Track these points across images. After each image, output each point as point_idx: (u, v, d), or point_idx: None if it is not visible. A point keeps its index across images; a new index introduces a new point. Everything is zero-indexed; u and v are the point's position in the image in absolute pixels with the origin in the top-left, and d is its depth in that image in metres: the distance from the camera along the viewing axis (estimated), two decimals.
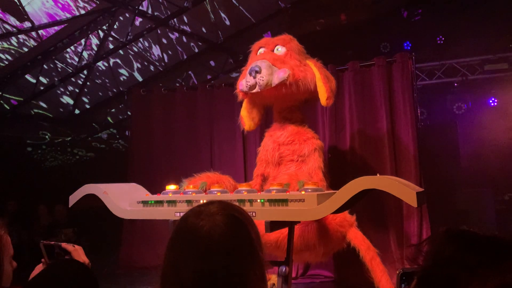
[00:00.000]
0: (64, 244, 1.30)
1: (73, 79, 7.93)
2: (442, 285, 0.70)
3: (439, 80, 7.83)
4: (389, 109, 5.26)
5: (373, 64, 5.42)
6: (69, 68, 7.63)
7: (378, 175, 2.71)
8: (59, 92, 8.39)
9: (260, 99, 4.20)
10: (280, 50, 4.05)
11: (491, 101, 8.67)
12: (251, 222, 1.06)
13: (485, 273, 0.67)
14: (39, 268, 1.31)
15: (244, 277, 0.98)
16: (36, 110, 8.50)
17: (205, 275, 0.95)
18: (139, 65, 8.32)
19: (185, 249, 0.99)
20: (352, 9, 7.36)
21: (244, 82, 3.93)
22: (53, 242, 1.31)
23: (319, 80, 3.95)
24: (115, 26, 7.12)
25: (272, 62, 3.87)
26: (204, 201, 1.17)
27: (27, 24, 6.40)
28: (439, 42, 7.87)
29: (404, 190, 2.42)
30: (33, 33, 6.77)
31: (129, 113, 7.49)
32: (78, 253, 1.29)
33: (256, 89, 3.86)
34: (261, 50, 4.15)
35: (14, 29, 6.44)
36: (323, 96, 3.94)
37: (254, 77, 3.80)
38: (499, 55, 7.48)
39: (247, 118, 4.38)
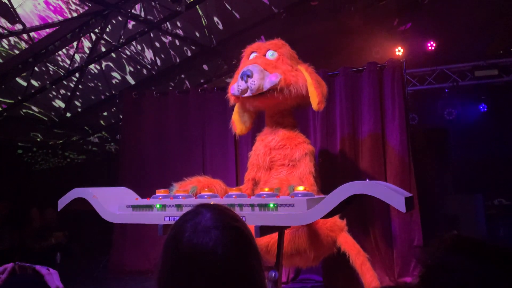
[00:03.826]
0: (38, 267, 1.25)
1: (65, 82, 7.89)
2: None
3: (430, 86, 7.90)
4: (380, 114, 5.30)
5: (364, 69, 5.45)
6: (61, 71, 7.58)
7: (367, 180, 2.72)
8: (51, 95, 8.34)
9: (251, 103, 4.21)
10: (272, 55, 4.07)
11: (481, 107, 8.76)
12: (246, 226, 1.04)
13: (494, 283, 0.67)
14: None
15: (256, 284, 0.97)
16: (25, 111, 8.44)
17: None
18: (131, 69, 8.30)
19: (193, 273, 0.92)
20: (344, 15, 7.40)
21: (236, 86, 3.94)
22: (27, 264, 1.26)
23: (311, 85, 3.96)
24: (107, 29, 7.09)
25: (264, 67, 3.88)
26: (190, 206, 1.11)
27: (18, 27, 6.36)
28: (430, 48, 7.94)
29: (393, 195, 2.43)
30: (25, 36, 6.73)
31: (121, 116, 7.47)
32: (52, 278, 1.24)
33: (248, 93, 3.87)
34: (253, 55, 4.16)
35: (5, 31, 6.40)
36: (315, 101, 3.96)
37: (246, 82, 3.81)
38: (490, 61, 7.56)
39: (238, 122, 4.39)
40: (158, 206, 3.08)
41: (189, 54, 8.09)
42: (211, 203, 1.09)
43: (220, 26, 7.55)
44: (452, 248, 0.75)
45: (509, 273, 0.68)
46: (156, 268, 0.99)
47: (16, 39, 6.84)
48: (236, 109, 4.42)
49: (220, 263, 0.92)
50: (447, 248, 0.75)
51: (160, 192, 3.31)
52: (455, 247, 0.74)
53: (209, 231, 0.95)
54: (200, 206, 1.04)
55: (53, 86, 7.70)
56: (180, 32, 7.41)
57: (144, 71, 8.37)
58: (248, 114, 4.39)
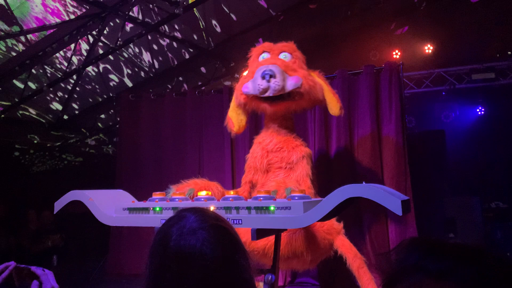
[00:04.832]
0: (33, 268, 1.25)
1: (62, 84, 7.87)
2: None
3: (427, 88, 7.92)
4: (377, 117, 5.30)
5: (361, 72, 5.46)
6: (59, 73, 7.58)
7: (364, 183, 2.72)
8: (48, 98, 8.33)
9: (257, 103, 4.16)
10: (285, 57, 4.02)
11: (478, 110, 8.79)
12: (231, 225, 1.05)
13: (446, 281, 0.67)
14: None
15: (245, 281, 0.98)
16: (22, 113, 8.42)
17: None
18: (129, 71, 8.29)
19: (182, 276, 0.91)
20: (342, 18, 7.43)
21: (253, 85, 3.85)
22: (23, 266, 1.26)
23: (328, 91, 4.00)
24: (105, 32, 7.09)
25: (284, 68, 3.83)
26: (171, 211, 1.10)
27: (15, 28, 6.35)
28: (427, 51, 7.96)
29: (389, 198, 2.43)
30: (22, 38, 6.72)
31: (118, 118, 7.46)
32: (47, 278, 1.23)
33: (268, 93, 3.79)
34: (265, 55, 4.11)
35: (2, 33, 6.39)
36: (336, 106, 3.98)
37: (268, 81, 3.75)
38: (486, 64, 7.59)
39: (236, 119, 4.28)
40: (154, 209, 3.08)
41: (187, 56, 8.10)
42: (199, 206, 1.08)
43: (218, 29, 7.56)
44: (409, 251, 0.75)
45: (462, 267, 0.69)
46: (143, 275, 0.98)
47: (14, 41, 6.83)
48: (232, 106, 4.32)
49: (209, 263, 0.92)
50: (406, 252, 0.75)
51: (157, 195, 3.31)
52: (412, 250, 0.75)
53: (195, 233, 0.95)
54: (182, 211, 1.03)
55: (51, 88, 7.68)
56: (177, 34, 7.42)
57: (142, 74, 8.37)
58: (244, 113, 4.30)
